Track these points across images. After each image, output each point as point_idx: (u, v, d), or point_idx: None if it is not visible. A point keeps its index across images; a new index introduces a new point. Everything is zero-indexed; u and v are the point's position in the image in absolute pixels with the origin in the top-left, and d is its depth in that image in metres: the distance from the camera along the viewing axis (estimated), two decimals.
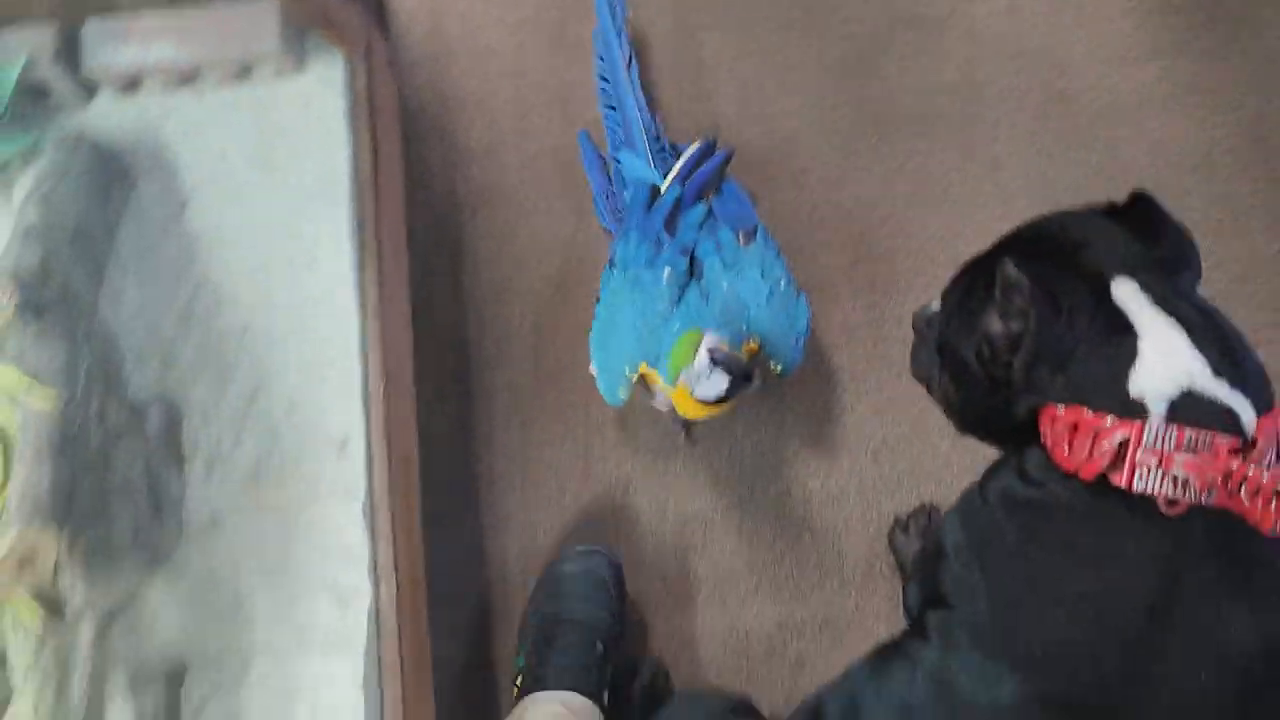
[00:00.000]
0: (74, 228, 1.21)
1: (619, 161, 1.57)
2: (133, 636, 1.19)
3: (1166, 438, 0.80)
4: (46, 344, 1.11)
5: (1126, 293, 0.86)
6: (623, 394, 1.38)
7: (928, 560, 1.02)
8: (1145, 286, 0.85)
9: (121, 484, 1.10)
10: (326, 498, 1.26)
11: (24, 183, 1.32)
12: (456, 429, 1.60)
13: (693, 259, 1.41)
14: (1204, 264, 0.94)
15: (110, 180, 1.31)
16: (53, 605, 1.05)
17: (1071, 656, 0.87)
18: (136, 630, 1.20)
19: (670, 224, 1.43)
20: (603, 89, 1.64)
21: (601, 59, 1.65)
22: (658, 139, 1.57)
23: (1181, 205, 1.17)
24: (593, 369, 1.44)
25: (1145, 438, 0.80)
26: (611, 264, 1.44)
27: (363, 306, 1.34)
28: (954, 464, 1.56)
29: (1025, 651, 0.88)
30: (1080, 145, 1.72)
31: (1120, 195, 0.96)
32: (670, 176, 1.48)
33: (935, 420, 1.53)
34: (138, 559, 1.08)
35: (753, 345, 1.34)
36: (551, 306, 1.65)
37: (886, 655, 1.00)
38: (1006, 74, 1.77)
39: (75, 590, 1.04)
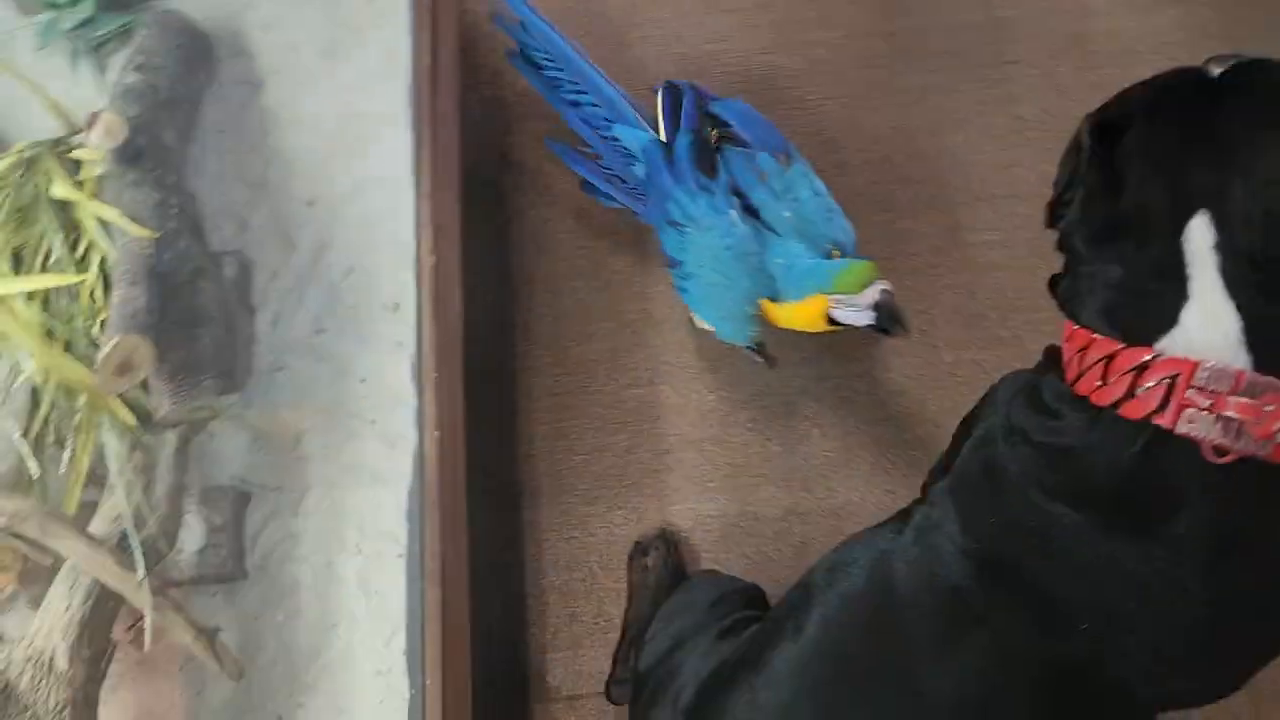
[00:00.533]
0: (166, 93, 1.34)
1: (617, 139, 1.57)
2: (205, 462, 1.33)
3: (1222, 377, 0.73)
4: (140, 189, 1.24)
5: (1199, 242, 0.77)
6: (752, 331, 1.45)
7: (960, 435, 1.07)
8: (1225, 245, 0.75)
9: (203, 315, 1.23)
10: (379, 352, 1.38)
11: (118, 60, 1.45)
12: (494, 317, 1.73)
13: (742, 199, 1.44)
14: None
15: (198, 58, 1.44)
16: (143, 413, 1.19)
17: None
18: (208, 458, 1.34)
19: (705, 167, 1.46)
20: (560, 91, 1.63)
21: (546, 64, 1.63)
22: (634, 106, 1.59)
23: None
24: (703, 324, 1.52)
25: (1197, 376, 0.74)
26: (676, 225, 1.46)
27: (417, 185, 1.46)
28: (958, 373, 1.66)
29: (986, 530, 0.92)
30: (1096, 86, 1.78)
31: None
32: (662, 130, 1.52)
33: (941, 330, 1.65)
34: (215, 381, 1.20)
35: (835, 253, 1.39)
36: (591, 202, 1.75)
37: (884, 522, 1.10)
38: (1030, 16, 1.86)
39: (162, 401, 1.17)
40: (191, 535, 1.27)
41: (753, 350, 1.54)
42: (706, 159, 1.47)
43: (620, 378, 1.70)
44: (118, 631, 1.27)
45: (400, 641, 1.25)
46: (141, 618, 1.25)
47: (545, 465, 1.66)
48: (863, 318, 1.27)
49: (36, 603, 1.10)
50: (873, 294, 1.26)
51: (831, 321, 1.32)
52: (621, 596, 1.59)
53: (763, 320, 1.43)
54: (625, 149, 1.57)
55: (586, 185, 1.64)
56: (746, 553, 1.59)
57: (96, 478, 1.21)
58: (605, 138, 1.59)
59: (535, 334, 1.73)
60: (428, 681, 1.24)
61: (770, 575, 1.48)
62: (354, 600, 1.28)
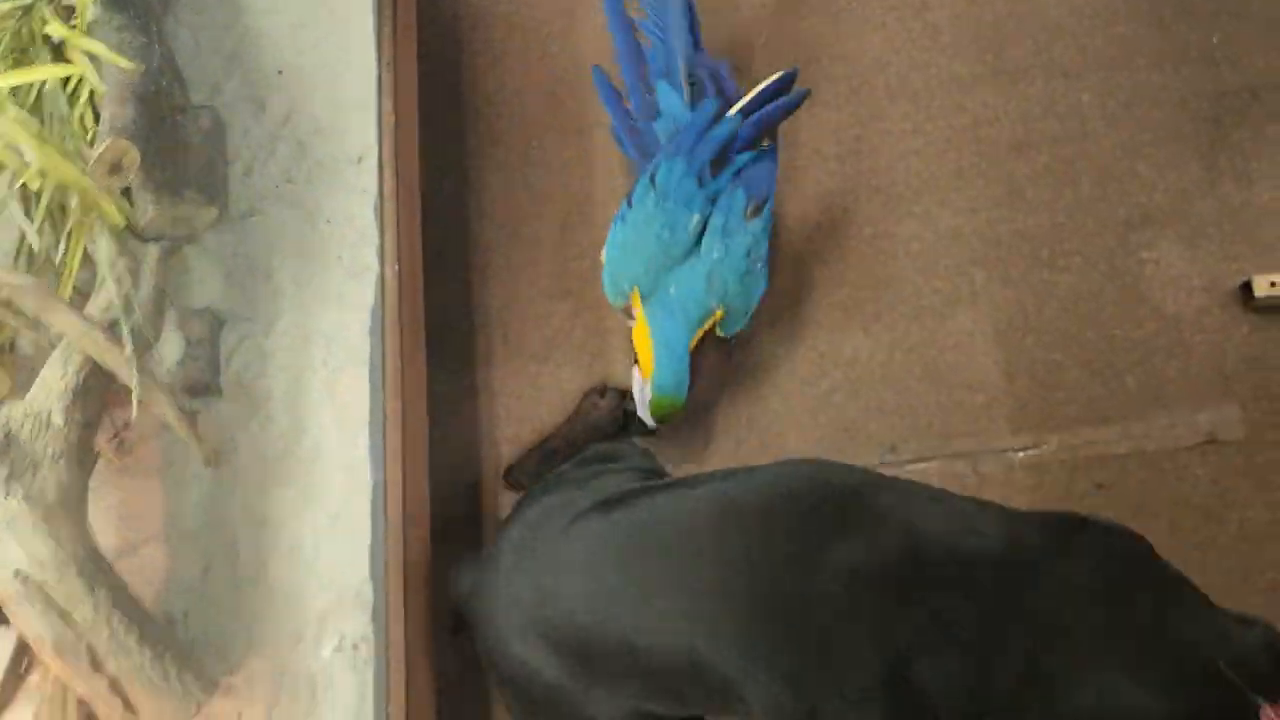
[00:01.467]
0: None
1: (656, 92, 1.61)
2: (182, 290, 1.46)
3: None
4: (126, 33, 1.37)
5: None
6: (618, 302, 1.55)
7: None
8: None
9: (183, 144, 1.37)
10: (345, 198, 1.52)
11: None
12: (451, 202, 1.87)
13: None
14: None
15: None
16: (129, 223, 1.31)
17: None
18: (185, 287, 1.46)
19: (719, 161, 1.50)
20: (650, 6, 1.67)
21: None
22: (717, 81, 1.61)
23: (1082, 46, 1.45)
24: (603, 256, 1.57)
25: None
26: (651, 183, 1.50)
27: (379, 59, 1.60)
28: (877, 243, 1.82)
29: None
30: None
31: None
32: (737, 107, 1.52)
33: (862, 208, 1.79)
34: (196, 194, 1.34)
35: (718, 314, 1.49)
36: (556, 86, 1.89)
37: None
38: None
39: (147, 209, 1.30)
40: (170, 349, 1.39)
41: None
42: (722, 160, 1.51)
43: (567, 251, 1.84)
44: (100, 442, 1.39)
45: (364, 439, 1.38)
46: (125, 427, 1.38)
47: (499, 330, 1.80)
48: (638, 406, 1.54)
49: None
50: (645, 418, 1.54)
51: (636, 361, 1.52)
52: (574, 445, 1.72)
53: (627, 304, 1.54)
54: (657, 103, 1.62)
55: (613, 130, 1.68)
56: None
57: (84, 290, 1.34)
58: (646, 82, 1.63)
59: (489, 212, 1.87)
60: (388, 474, 1.37)
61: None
62: (322, 408, 1.41)
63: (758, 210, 1.52)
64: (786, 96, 1.56)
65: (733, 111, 1.54)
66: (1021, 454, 1.69)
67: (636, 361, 1.54)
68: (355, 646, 1.29)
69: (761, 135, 1.55)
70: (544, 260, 1.84)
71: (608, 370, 1.76)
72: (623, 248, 1.53)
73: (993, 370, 1.73)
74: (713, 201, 1.50)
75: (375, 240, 1.48)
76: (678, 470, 1.66)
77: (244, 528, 1.36)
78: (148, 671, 1.14)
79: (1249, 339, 1.72)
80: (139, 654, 1.13)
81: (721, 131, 1.50)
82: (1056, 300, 1.77)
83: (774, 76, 1.56)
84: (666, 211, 1.48)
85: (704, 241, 1.49)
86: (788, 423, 1.72)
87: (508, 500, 1.68)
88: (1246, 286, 1.72)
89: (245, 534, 1.36)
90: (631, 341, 1.57)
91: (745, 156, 1.53)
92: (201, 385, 1.39)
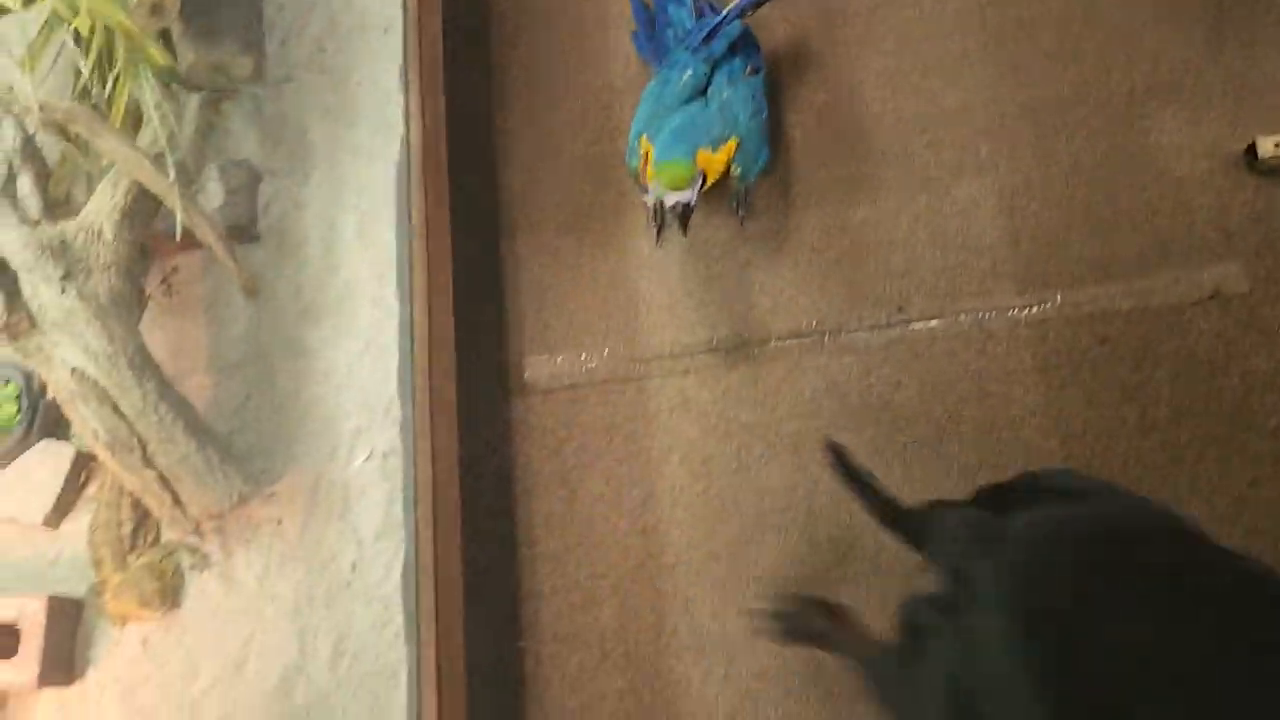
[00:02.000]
0: None
1: (669, 9, 1.83)
2: (224, 146, 1.56)
3: None
4: None
5: None
6: (634, 161, 1.68)
7: None
8: None
9: (219, 9, 1.47)
10: (373, 64, 1.62)
11: None
12: (482, 82, 1.96)
13: (711, 76, 1.70)
14: None
15: None
16: (172, 70, 1.42)
17: None
18: (227, 144, 1.57)
19: (710, 37, 1.70)
20: None
21: None
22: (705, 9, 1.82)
23: None
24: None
25: None
26: (667, 62, 1.75)
27: None
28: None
29: None
30: None
31: None
32: (731, 5, 1.71)
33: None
34: (233, 47, 1.44)
35: (733, 144, 1.64)
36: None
37: None
38: None
39: (187, 55, 1.40)
40: (211, 197, 1.50)
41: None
42: (714, 33, 1.72)
43: (587, 136, 1.92)
44: (150, 285, 1.50)
45: (392, 275, 1.48)
46: (173, 272, 1.49)
47: (521, 207, 1.89)
48: (669, 207, 1.58)
49: None
50: (669, 199, 1.57)
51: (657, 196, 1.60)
52: (592, 306, 1.81)
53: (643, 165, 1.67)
54: (669, 18, 1.83)
55: (634, 36, 1.89)
56: (695, 288, 1.81)
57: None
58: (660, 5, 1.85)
59: (511, 103, 1.96)
60: (415, 307, 1.46)
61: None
62: (352, 249, 1.51)
63: (755, 72, 1.73)
64: None
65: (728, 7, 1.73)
66: (1026, 311, 1.74)
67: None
68: (385, 456, 1.38)
69: (746, 13, 1.72)
70: (565, 146, 1.92)
71: (626, 242, 1.84)
72: (635, 120, 1.72)
73: (998, 235, 1.79)
74: (706, 62, 1.69)
75: (400, 102, 1.58)
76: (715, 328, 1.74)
77: (281, 358, 1.46)
78: (193, 460, 1.24)
79: (1253, 199, 1.76)
80: (185, 443, 1.23)
81: (711, 19, 1.73)
82: (1061, 168, 1.81)
83: None
84: (662, 77, 1.71)
85: (710, 90, 1.69)
86: (799, 287, 1.79)
87: (524, 343, 1.77)
88: (1251, 149, 1.75)
89: (283, 363, 1.46)
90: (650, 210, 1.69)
91: (734, 28, 1.71)
92: (241, 230, 1.49)
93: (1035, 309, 1.74)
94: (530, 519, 1.71)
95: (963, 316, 1.74)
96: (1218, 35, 1.83)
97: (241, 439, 1.43)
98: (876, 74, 1.90)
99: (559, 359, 1.79)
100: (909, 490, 1.65)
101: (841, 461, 1.44)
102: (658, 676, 1.62)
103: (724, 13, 1.72)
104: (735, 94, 1.69)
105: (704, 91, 1.71)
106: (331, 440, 1.41)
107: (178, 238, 1.32)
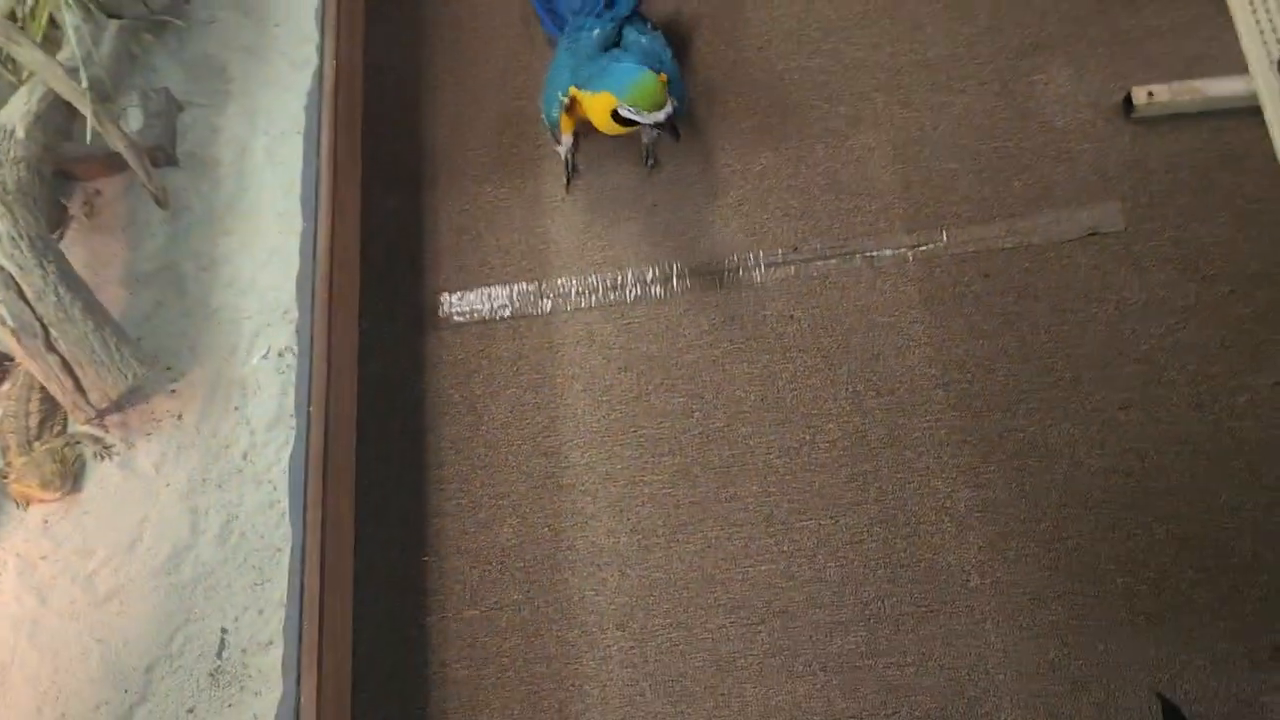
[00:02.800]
0: None
1: None
2: (147, 79, 1.67)
3: None
4: None
5: None
6: (555, 113, 1.75)
7: None
8: None
9: None
10: (293, 8, 1.73)
11: None
12: (407, 41, 2.08)
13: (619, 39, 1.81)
14: None
15: None
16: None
17: None
18: (149, 77, 1.67)
19: (610, 2, 1.84)
20: None
21: None
22: None
23: None
24: (540, 105, 1.85)
25: None
26: (564, 36, 1.85)
27: None
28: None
29: None
30: None
31: None
32: None
33: None
34: None
35: (664, 78, 1.63)
36: None
37: None
38: None
39: None
40: (132, 121, 1.60)
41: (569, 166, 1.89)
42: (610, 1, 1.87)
43: (507, 93, 2.03)
44: (73, 206, 1.60)
45: (296, 189, 1.57)
46: (95, 194, 1.59)
47: (443, 157, 1.99)
48: (648, 124, 1.61)
49: None
50: (660, 116, 1.58)
51: (619, 120, 1.62)
52: (505, 248, 1.90)
53: (571, 114, 1.74)
54: None
55: (535, 6, 2.00)
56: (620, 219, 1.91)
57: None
58: None
59: (436, 61, 2.07)
60: (319, 222, 1.56)
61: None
62: (262, 170, 1.61)
63: (655, 28, 1.87)
64: None
65: None
66: (914, 250, 1.83)
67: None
68: (281, 354, 1.47)
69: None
70: (486, 101, 2.03)
71: (539, 188, 1.94)
72: (549, 81, 1.80)
73: (890, 180, 1.88)
74: (612, 22, 1.81)
75: (316, 39, 1.69)
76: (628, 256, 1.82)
77: (192, 269, 1.55)
78: (90, 340, 1.32)
79: (1129, 145, 1.86)
80: (82, 323, 1.32)
81: None
82: (951, 119, 1.91)
83: None
84: (570, 38, 1.80)
85: (626, 40, 1.82)
86: (701, 228, 1.88)
87: (439, 281, 1.86)
88: (1128, 99, 1.86)
89: (193, 274, 1.55)
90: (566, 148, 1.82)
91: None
92: (159, 154, 1.59)
93: (923, 248, 1.83)
94: (439, 443, 1.79)
95: (855, 255, 1.83)
96: None
97: (150, 342, 1.51)
98: (784, 33, 2.02)
99: (472, 296, 1.88)
100: (800, 413, 1.74)
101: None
102: (553, 588, 1.68)
103: None
104: (652, 42, 1.81)
105: (617, 44, 1.82)
106: (232, 340, 1.50)
107: (86, 140, 1.41)
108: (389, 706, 1.62)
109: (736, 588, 1.65)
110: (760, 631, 1.62)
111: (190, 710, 1.30)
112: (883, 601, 1.62)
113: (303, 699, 1.30)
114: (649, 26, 1.88)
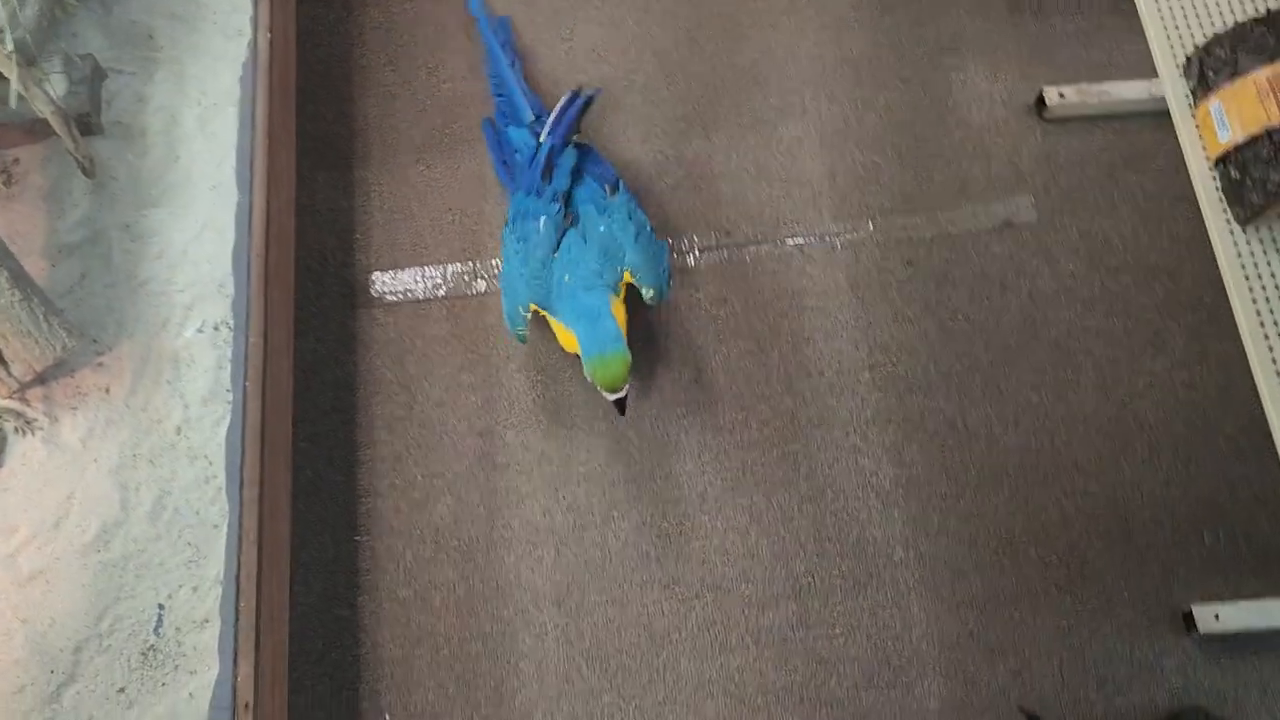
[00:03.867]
0: None
1: (510, 134, 1.83)
2: (72, 45, 1.61)
3: None
4: None
5: None
6: (521, 331, 1.64)
7: None
8: None
9: None
10: None
11: None
12: (339, 20, 2.05)
13: (567, 209, 1.67)
14: None
15: None
16: None
17: None
18: (74, 44, 1.62)
19: (547, 172, 1.69)
20: (493, 81, 1.93)
21: (489, 57, 1.95)
22: (538, 117, 1.83)
23: None
24: (503, 308, 1.69)
25: None
26: (508, 222, 1.70)
27: None
28: None
29: None
30: None
31: None
32: (546, 129, 1.73)
33: None
34: None
35: (628, 277, 1.61)
36: None
37: None
38: None
39: None
40: (56, 87, 1.54)
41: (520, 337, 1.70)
42: (550, 167, 1.70)
43: (440, 75, 2.02)
44: None
45: (231, 160, 1.54)
46: (14, 162, 1.53)
47: (376, 135, 1.97)
48: (609, 397, 1.57)
49: None
50: (611, 397, 1.56)
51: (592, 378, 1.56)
52: (440, 228, 1.89)
53: (537, 323, 1.67)
54: (512, 144, 1.83)
55: (495, 167, 1.89)
56: None
57: None
58: (502, 130, 1.87)
59: (369, 42, 2.05)
60: (254, 194, 1.53)
61: None
62: (194, 140, 1.57)
63: (614, 189, 1.71)
64: (577, 102, 1.78)
65: (544, 136, 1.74)
66: (840, 238, 1.89)
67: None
68: (216, 328, 1.44)
69: (568, 139, 1.74)
70: (418, 81, 2.02)
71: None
72: (504, 285, 1.67)
73: (818, 170, 1.94)
74: (557, 200, 1.66)
75: (249, 9, 1.65)
76: None
77: (119, 240, 1.51)
78: (17, 311, 1.28)
79: (1041, 142, 1.95)
80: (9, 293, 1.27)
81: (542, 153, 1.71)
82: (875, 113, 1.98)
83: (564, 96, 1.79)
84: (518, 234, 1.65)
85: (583, 224, 1.65)
86: None
87: (371, 260, 1.85)
88: (1040, 99, 1.95)
89: (120, 245, 1.51)
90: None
91: (568, 156, 1.71)
92: (84, 121, 1.54)
93: (849, 235, 1.89)
94: (371, 422, 1.77)
95: (785, 241, 1.88)
96: (1017, 2, 2.05)
97: (75, 313, 1.46)
98: (717, 27, 2.06)
99: (405, 275, 1.87)
100: (732, 394, 1.78)
101: None
102: (488, 566, 1.69)
103: (545, 146, 1.71)
104: (613, 223, 1.65)
105: (575, 223, 1.67)
106: (164, 313, 1.46)
107: (11, 104, 1.36)
108: (320, 686, 1.60)
109: (670, 564, 1.68)
110: (694, 607, 1.66)
111: (121, 690, 1.27)
112: (812, 576, 1.67)
113: (240, 678, 1.28)
114: (605, 184, 1.72)
